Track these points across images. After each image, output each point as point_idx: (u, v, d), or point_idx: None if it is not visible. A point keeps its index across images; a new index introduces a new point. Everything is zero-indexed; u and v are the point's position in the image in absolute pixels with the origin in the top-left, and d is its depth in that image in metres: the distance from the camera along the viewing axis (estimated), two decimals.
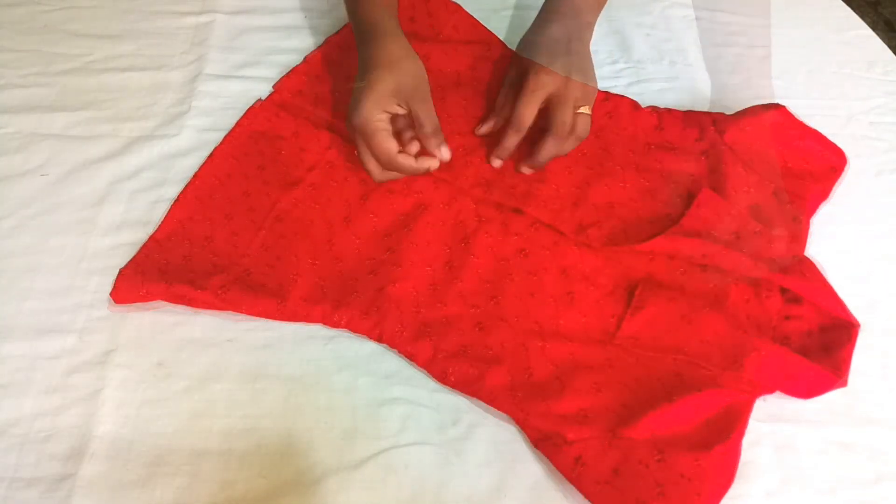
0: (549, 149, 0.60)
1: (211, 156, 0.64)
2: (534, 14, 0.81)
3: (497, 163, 0.62)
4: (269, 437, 0.50)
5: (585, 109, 0.60)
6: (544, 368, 0.53)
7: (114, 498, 0.47)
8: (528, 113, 0.59)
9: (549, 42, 0.61)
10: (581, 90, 0.59)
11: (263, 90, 0.70)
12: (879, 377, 0.55)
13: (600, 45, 0.78)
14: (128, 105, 0.69)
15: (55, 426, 0.50)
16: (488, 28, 0.76)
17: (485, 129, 0.64)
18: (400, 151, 0.58)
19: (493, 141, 0.65)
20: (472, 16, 0.76)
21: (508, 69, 0.67)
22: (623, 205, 0.62)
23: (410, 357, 0.54)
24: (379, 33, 0.60)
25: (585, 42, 0.63)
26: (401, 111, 0.58)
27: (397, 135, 0.59)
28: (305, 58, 0.71)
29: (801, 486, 0.49)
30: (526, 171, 0.62)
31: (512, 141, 0.61)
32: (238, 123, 0.66)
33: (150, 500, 0.47)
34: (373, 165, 0.59)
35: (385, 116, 0.57)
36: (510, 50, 0.74)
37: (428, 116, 0.58)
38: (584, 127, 0.60)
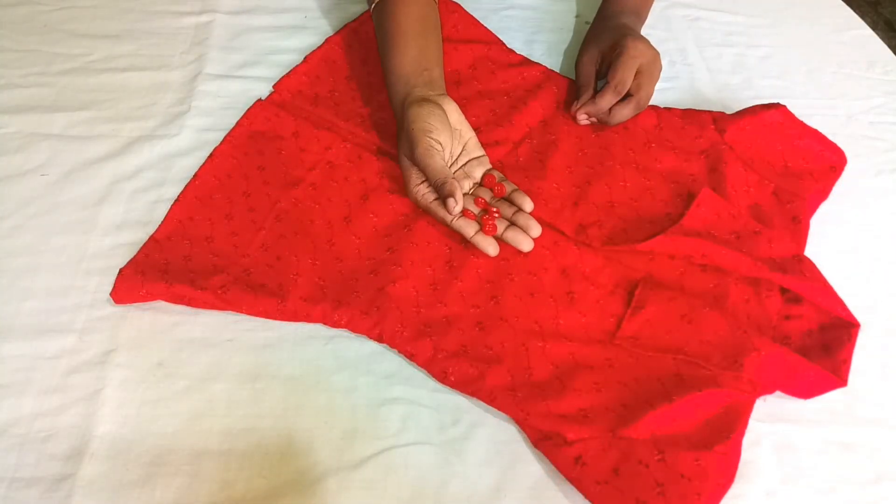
0: (627, 113, 0.64)
1: (211, 156, 0.64)
2: (533, 14, 0.81)
3: (584, 120, 0.66)
4: (269, 437, 0.50)
5: None
6: (544, 368, 0.53)
7: (114, 498, 0.47)
8: (629, 76, 0.63)
9: (633, 21, 0.70)
10: (660, 68, 0.66)
11: (263, 90, 0.70)
12: (879, 377, 0.55)
13: None
14: (128, 105, 0.69)
15: (55, 426, 0.50)
16: (488, 28, 0.76)
17: (581, 101, 0.66)
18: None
19: (492, 140, 0.65)
20: (471, 15, 0.76)
21: (585, 47, 0.70)
22: (623, 204, 0.62)
23: (410, 357, 0.54)
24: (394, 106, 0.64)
25: None
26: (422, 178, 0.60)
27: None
28: (305, 58, 0.71)
29: (801, 486, 0.49)
30: (584, 120, 0.66)
31: (608, 101, 0.64)
32: (238, 123, 0.66)
33: (150, 500, 0.47)
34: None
35: (421, 190, 0.60)
36: (510, 49, 0.74)
37: (426, 171, 0.58)
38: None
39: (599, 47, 0.68)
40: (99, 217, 0.61)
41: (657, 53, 0.66)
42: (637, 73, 0.64)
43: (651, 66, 0.65)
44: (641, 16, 0.74)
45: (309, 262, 0.58)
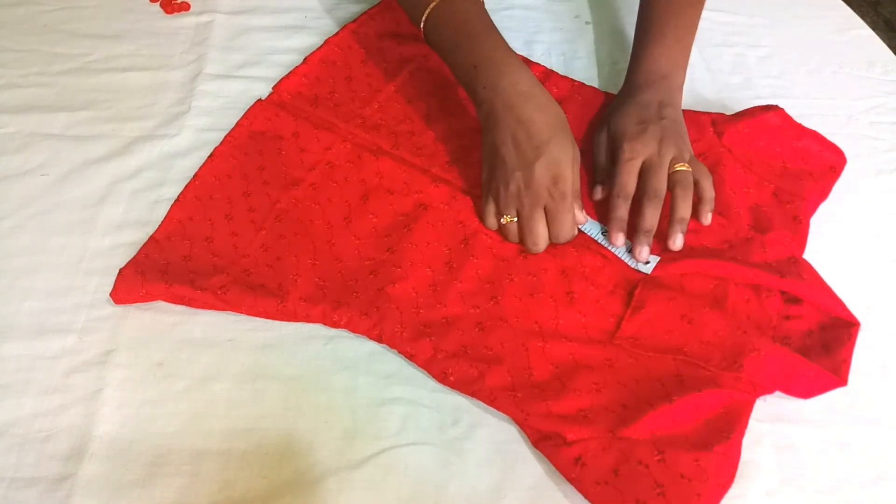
0: (648, 215, 0.57)
1: (211, 156, 0.64)
2: (534, 14, 0.81)
3: (621, 239, 0.58)
4: (269, 437, 0.50)
5: (682, 167, 0.59)
6: (544, 368, 0.53)
7: (114, 498, 0.47)
8: (630, 181, 0.59)
9: (639, 109, 0.62)
10: (676, 150, 0.59)
11: (263, 90, 0.70)
12: (879, 377, 0.55)
13: (600, 45, 0.78)
14: (128, 105, 0.69)
15: (55, 426, 0.50)
16: None
17: (598, 195, 0.62)
18: None
19: None
20: None
21: (597, 132, 0.65)
22: None
23: (410, 357, 0.54)
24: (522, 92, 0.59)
25: (677, 105, 0.64)
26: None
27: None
28: (305, 58, 0.71)
29: (801, 486, 0.49)
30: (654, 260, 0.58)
31: (623, 209, 0.58)
32: (238, 124, 0.66)
33: (150, 500, 0.47)
34: (543, 237, 0.58)
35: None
36: None
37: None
38: (686, 180, 0.58)
39: (613, 132, 0.62)
40: (99, 217, 0.61)
41: (659, 142, 0.59)
42: (642, 169, 0.59)
43: (657, 159, 0.59)
44: (673, 76, 0.65)
45: (309, 263, 0.58)
